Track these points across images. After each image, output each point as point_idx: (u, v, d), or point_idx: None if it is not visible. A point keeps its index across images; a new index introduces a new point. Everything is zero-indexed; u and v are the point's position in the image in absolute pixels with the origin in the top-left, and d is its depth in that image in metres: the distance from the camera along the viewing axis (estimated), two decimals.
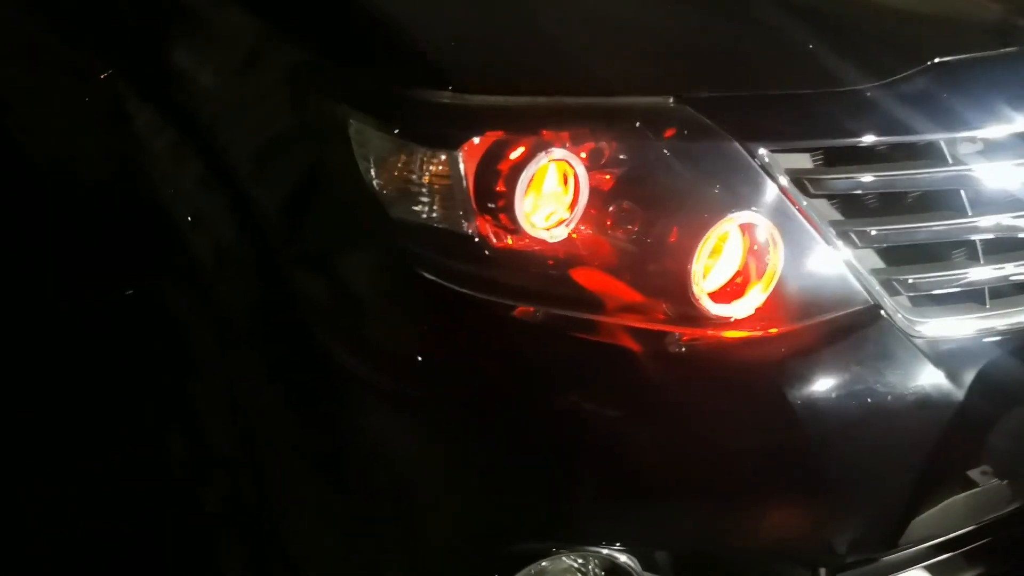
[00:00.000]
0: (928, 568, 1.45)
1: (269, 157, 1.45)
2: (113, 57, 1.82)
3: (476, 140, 1.22)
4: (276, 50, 1.44)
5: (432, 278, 1.25)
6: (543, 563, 1.25)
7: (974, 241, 1.33)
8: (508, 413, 1.24)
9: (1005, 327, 1.35)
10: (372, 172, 1.27)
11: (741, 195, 1.23)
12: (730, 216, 1.22)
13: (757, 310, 1.25)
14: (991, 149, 1.33)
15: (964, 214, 1.31)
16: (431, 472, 1.28)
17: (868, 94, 1.28)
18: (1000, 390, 1.31)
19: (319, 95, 1.34)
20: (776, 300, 1.26)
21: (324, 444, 1.38)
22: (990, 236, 1.33)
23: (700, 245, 1.21)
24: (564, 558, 1.28)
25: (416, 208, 1.25)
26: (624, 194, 1.24)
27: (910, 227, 1.29)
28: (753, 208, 1.23)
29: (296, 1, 1.43)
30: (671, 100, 1.24)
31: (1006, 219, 1.32)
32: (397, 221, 1.26)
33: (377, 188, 1.27)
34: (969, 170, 1.31)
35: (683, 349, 1.24)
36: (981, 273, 1.33)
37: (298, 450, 1.44)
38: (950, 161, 1.30)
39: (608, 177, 1.24)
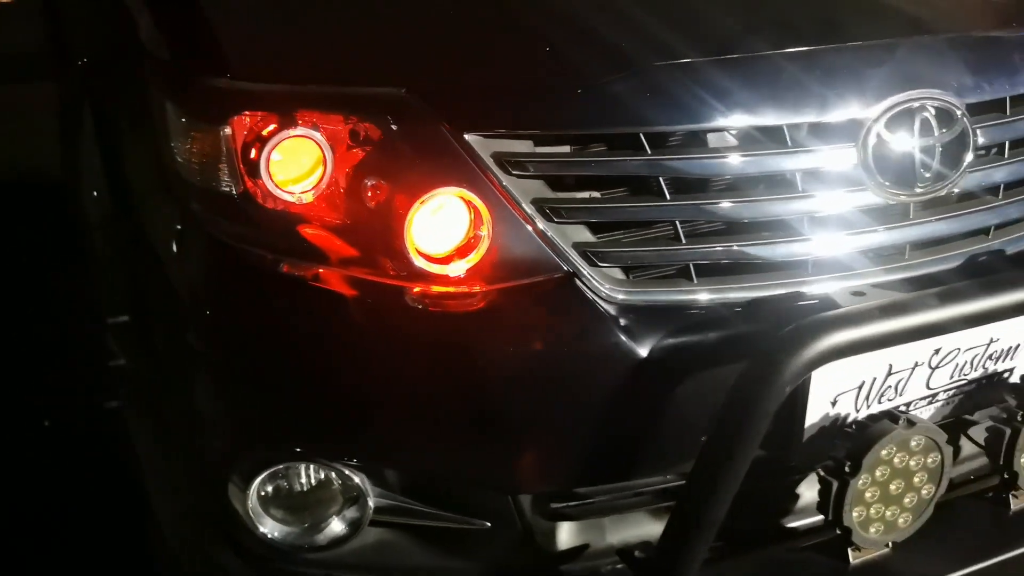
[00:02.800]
0: (650, 513, 1.64)
1: (129, 133, 1.77)
2: (87, 43, 2.17)
3: (241, 118, 1.49)
4: (139, 41, 1.75)
5: (214, 235, 1.53)
6: (280, 468, 1.52)
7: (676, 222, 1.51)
8: (259, 346, 1.51)
9: (708, 301, 1.52)
10: (175, 146, 1.56)
11: (451, 173, 1.45)
12: (438, 191, 1.45)
13: (468, 271, 1.48)
14: (692, 143, 1.50)
15: (663, 198, 1.49)
16: (205, 391, 1.56)
17: (578, 90, 1.48)
18: (685, 356, 1.48)
19: (154, 84, 1.64)
20: (485, 264, 1.48)
21: (147, 369, 1.69)
22: (687, 219, 1.50)
23: (410, 214, 1.45)
24: (302, 467, 1.54)
25: (203, 175, 1.53)
26: (361, 167, 1.48)
27: (602, 206, 1.49)
28: (461, 185, 1.45)
29: (152, 6, 1.73)
30: (403, 90, 1.48)
31: (700, 204, 1.49)
32: (190, 186, 1.55)
33: (179, 159, 1.56)
34: (670, 160, 1.48)
35: (409, 301, 1.48)
36: (679, 251, 1.50)
37: (136, 373, 1.76)
38: (649, 152, 1.48)
39: (349, 152, 1.48)
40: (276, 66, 1.54)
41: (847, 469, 1.47)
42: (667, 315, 1.51)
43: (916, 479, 1.54)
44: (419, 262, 1.46)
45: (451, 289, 1.48)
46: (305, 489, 1.56)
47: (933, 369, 1.62)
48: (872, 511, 1.52)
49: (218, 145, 1.50)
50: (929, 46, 1.61)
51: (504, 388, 1.46)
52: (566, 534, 1.61)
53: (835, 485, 1.47)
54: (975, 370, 1.66)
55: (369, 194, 1.47)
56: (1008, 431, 1.61)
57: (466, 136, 1.45)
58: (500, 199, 1.46)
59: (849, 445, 1.48)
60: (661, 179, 1.49)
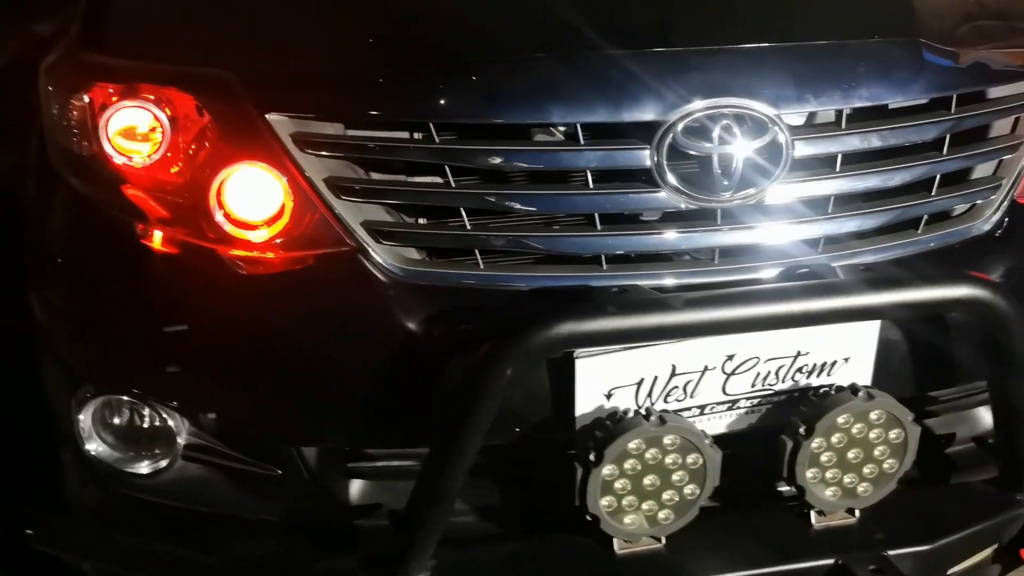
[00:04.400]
0: None
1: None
2: None
3: (98, 88, 1.68)
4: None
5: (72, 192, 1.74)
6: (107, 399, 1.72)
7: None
8: (91, 293, 1.71)
9: (491, 286, 1.60)
10: (55, 113, 1.76)
11: (255, 149, 1.59)
12: (241, 164, 1.59)
13: (270, 239, 1.62)
14: (479, 136, 1.57)
15: (447, 186, 1.58)
16: (56, 325, 1.77)
17: (379, 80, 1.58)
18: (454, 335, 1.57)
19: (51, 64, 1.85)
20: (285, 233, 1.61)
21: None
22: (471, 206, 1.58)
23: (216, 184, 1.60)
24: (127, 401, 1.73)
25: (71, 138, 1.73)
26: (186, 139, 1.64)
27: (388, 188, 1.59)
28: (263, 160, 1.59)
29: None
30: (227, 72, 1.62)
31: (482, 193, 1.57)
32: (62, 150, 1.75)
33: (57, 125, 1.76)
34: (455, 149, 1.56)
35: (216, 262, 1.63)
36: (463, 236, 1.59)
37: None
38: (437, 141, 1.56)
39: (178, 124, 1.64)
40: (132, 46, 1.73)
41: (592, 458, 1.52)
42: (450, 295, 1.60)
43: (675, 477, 1.57)
44: (227, 227, 1.62)
45: (253, 254, 1.62)
46: (129, 421, 1.75)
47: (728, 375, 1.63)
48: (624, 502, 1.56)
49: (74, 111, 1.69)
50: (748, 55, 1.62)
51: (282, 347, 1.60)
52: (360, 492, 1.73)
53: (580, 472, 1.53)
54: (783, 382, 1.66)
55: (189, 163, 1.63)
56: (791, 444, 1.61)
57: (268, 116, 1.58)
58: (296, 176, 1.59)
59: (600, 436, 1.53)
60: (447, 167, 1.58)
